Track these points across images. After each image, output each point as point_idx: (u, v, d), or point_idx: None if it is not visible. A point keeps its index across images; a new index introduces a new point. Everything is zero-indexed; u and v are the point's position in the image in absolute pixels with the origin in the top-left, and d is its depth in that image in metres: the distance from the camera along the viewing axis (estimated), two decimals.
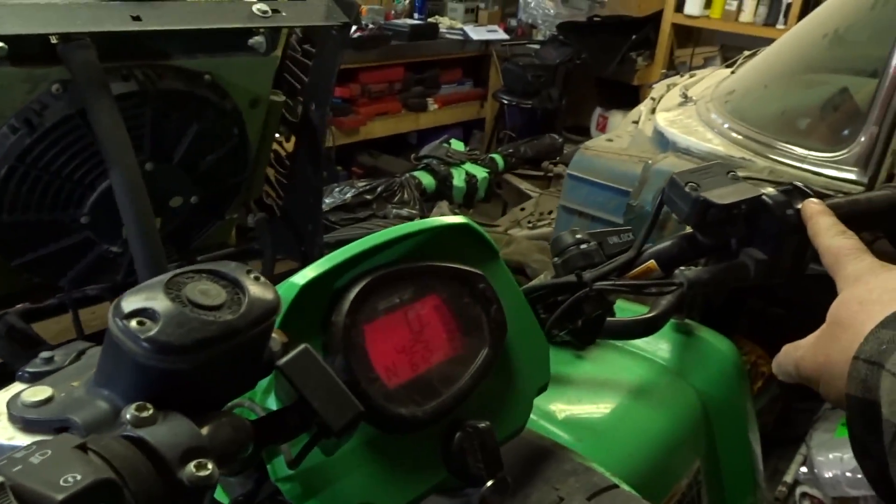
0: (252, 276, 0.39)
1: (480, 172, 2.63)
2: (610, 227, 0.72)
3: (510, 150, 2.85)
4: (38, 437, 0.33)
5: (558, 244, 0.69)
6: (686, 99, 1.94)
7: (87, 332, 0.97)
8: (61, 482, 0.26)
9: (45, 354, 0.39)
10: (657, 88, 2.16)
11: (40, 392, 0.35)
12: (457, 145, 2.76)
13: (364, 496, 0.51)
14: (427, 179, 2.56)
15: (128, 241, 0.77)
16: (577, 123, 4.21)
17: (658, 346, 1.00)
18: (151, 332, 0.34)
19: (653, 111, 1.96)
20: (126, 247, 0.89)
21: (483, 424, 0.54)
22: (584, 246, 0.68)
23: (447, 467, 0.54)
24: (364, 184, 2.44)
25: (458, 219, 0.60)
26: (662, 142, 1.76)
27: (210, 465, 0.32)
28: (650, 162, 1.61)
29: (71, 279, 0.91)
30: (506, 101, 3.78)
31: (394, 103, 3.75)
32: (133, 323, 0.34)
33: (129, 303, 0.35)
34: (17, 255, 0.87)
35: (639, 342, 0.98)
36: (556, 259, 0.69)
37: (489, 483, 0.53)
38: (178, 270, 0.37)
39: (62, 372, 0.38)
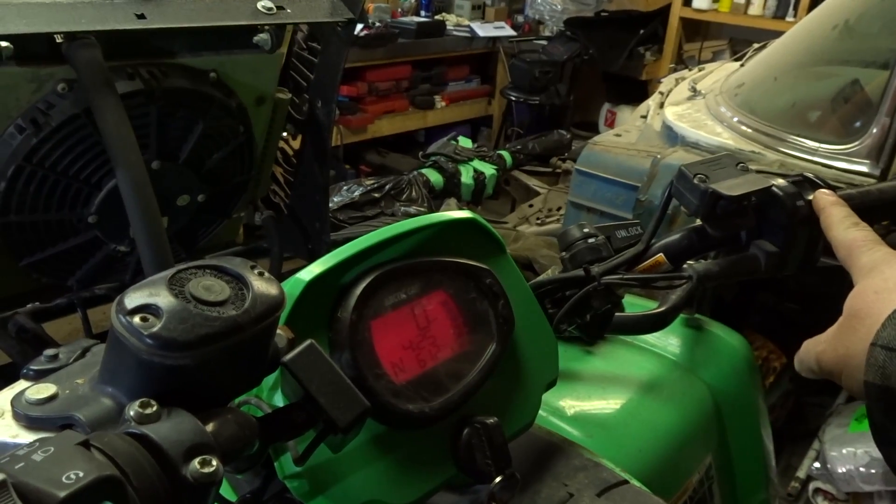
0: (256, 271, 0.39)
1: (488, 169, 2.63)
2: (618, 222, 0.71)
3: (518, 147, 2.84)
4: (42, 435, 0.32)
5: (566, 238, 0.69)
6: (695, 93, 1.93)
7: (98, 332, 0.97)
8: (63, 479, 0.26)
9: (49, 352, 0.39)
10: (666, 82, 2.15)
11: (44, 390, 0.35)
12: (464, 142, 2.76)
13: (372, 493, 0.50)
14: (435, 177, 2.55)
15: (135, 240, 0.77)
16: (585, 119, 4.19)
17: (668, 342, 0.99)
18: (154, 329, 0.34)
19: (661, 105, 1.95)
20: (134, 246, 0.89)
21: (491, 420, 0.54)
22: (591, 240, 0.68)
23: (456, 464, 0.54)
24: (372, 182, 2.44)
25: (464, 213, 0.60)
26: (671, 136, 1.75)
27: (214, 462, 0.31)
28: (659, 156, 1.60)
29: (79, 279, 0.91)
30: (513, 98, 3.76)
31: (401, 101, 3.75)
32: (136, 319, 0.34)
33: (132, 299, 0.35)
34: (25, 255, 0.87)
35: (648, 337, 0.97)
36: (563, 253, 0.68)
37: (498, 479, 0.52)
38: (181, 266, 0.37)
39: (66, 369, 0.38)
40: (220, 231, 1.07)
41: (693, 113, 1.82)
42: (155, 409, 0.32)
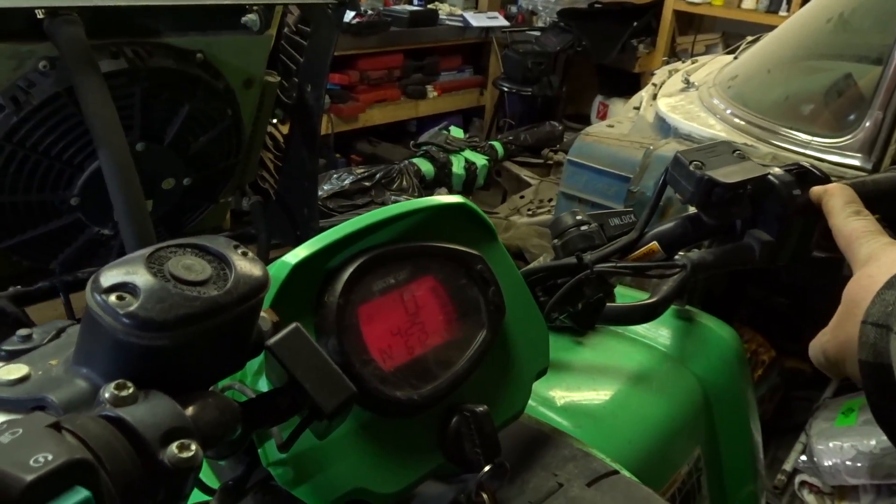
0: (239, 251, 0.37)
1: (480, 160, 2.61)
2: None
3: (510, 138, 2.83)
4: (11, 417, 0.31)
5: (558, 225, 0.68)
6: (688, 84, 1.92)
7: (80, 316, 0.95)
8: (31, 462, 0.25)
9: (22, 332, 0.37)
10: (659, 74, 2.14)
11: (16, 370, 0.34)
12: (456, 132, 2.74)
13: (358, 481, 0.49)
14: (426, 166, 2.54)
15: (118, 222, 0.75)
16: (577, 111, 4.18)
17: (658, 333, 0.98)
18: (131, 308, 0.32)
19: (654, 97, 1.94)
20: (118, 229, 0.87)
21: (480, 409, 0.53)
22: (584, 227, 0.67)
23: (444, 453, 0.53)
24: (363, 171, 2.42)
25: (454, 198, 0.59)
26: (664, 127, 1.74)
27: (193, 447, 0.30)
28: (651, 147, 1.59)
29: (62, 262, 0.89)
30: (505, 89, 3.75)
31: (393, 90, 3.72)
32: (112, 298, 0.32)
33: (108, 277, 0.33)
34: (5, 238, 0.85)
35: (639, 328, 0.97)
36: (555, 241, 0.67)
37: (486, 468, 0.51)
38: (161, 244, 0.36)
39: (40, 350, 0.36)
40: (207, 216, 1.05)
41: (686, 105, 1.81)
42: (131, 391, 0.31)
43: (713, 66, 2.06)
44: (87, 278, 0.88)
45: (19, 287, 0.91)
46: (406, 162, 2.52)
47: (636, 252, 0.65)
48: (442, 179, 2.54)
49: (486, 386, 0.56)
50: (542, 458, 0.60)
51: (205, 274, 0.35)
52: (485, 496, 0.54)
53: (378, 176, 2.41)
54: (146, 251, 0.35)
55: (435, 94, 3.88)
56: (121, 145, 0.73)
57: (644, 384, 0.89)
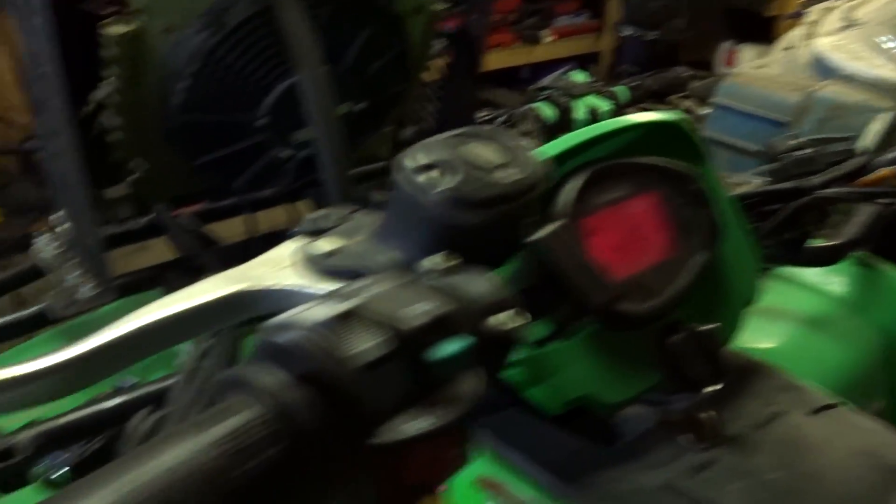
0: (523, 141, 0.38)
1: (604, 105, 2.52)
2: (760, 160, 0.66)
3: (636, 83, 2.71)
4: (336, 285, 0.33)
5: (772, 149, 0.64)
6: (850, 23, 1.76)
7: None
8: (412, 311, 0.26)
9: (313, 215, 0.39)
10: (814, 12, 1.97)
11: (329, 243, 0.36)
12: (578, 77, 2.65)
13: (586, 388, 0.50)
14: (548, 111, 2.47)
15: (313, 140, 0.78)
16: (699, 58, 3.93)
17: (832, 280, 0.93)
18: (445, 185, 0.33)
19: (809, 36, 1.79)
20: (298, 150, 0.91)
21: (707, 327, 0.52)
22: (801, 152, 0.63)
23: (663, 370, 0.53)
24: (484, 114, 2.40)
25: (672, 115, 0.57)
26: (822, 68, 1.61)
27: (522, 316, 0.31)
28: (812, 89, 1.47)
29: (243, 182, 0.94)
30: (628, 33, 3.58)
31: (507, 35, 3.64)
32: (429, 175, 0.33)
33: (419, 157, 0.34)
34: (200, 155, 0.90)
35: (812, 274, 0.92)
36: (769, 165, 0.64)
37: (714, 387, 0.51)
38: (454, 132, 0.36)
39: (340, 228, 0.38)
40: (370, 144, 1.08)
41: (848, 44, 1.67)
42: (457, 262, 0.32)
43: (878, 2, 1.87)
44: (266, 198, 0.91)
45: (206, 203, 0.96)
46: (527, 106, 2.47)
47: (866, 177, 0.60)
48: (565, 124, 2.48)
49: (701, 308, 0.55)
50: (754, 386, 0.59)
51: (500, 160, 0.36)
52: (705, 416, 0.54)
53: (500, 120, 2.38)
54: (443, 136, 0.36)
55: (550, 38, 3.76)
56: (319, 65, 0.75)
57: (820, 332, 0.85)
